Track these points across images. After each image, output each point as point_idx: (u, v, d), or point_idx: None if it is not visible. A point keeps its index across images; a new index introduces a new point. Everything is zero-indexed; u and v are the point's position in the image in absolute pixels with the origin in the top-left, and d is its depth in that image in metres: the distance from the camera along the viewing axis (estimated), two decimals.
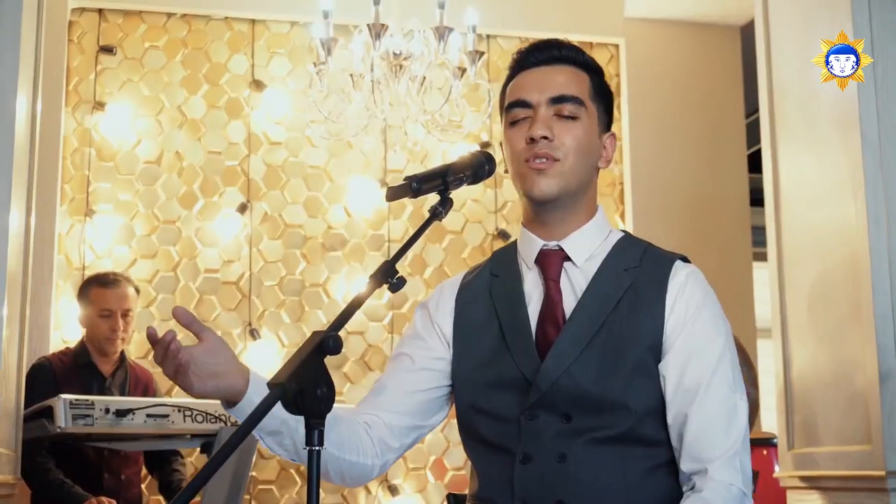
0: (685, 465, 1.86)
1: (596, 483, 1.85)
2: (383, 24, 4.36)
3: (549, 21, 5.67)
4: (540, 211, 1.99)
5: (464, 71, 4.51)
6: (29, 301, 3.47)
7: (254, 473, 5.03)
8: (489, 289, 2.03)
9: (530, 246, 2.01)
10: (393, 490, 5.21)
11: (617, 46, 5.80)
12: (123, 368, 4.32)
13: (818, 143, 3.55)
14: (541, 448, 1.87)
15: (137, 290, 4.38)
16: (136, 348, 5.02)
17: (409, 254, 5.43)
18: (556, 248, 1.99)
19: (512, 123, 1.99)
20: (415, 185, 1.80)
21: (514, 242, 2.08)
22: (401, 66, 4.45)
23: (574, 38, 5.66)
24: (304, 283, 5.31)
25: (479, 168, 1.91)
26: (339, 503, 5.19)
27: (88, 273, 4.88)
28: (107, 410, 3.50)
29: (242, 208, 5.30)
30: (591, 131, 1.98)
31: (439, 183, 1.85)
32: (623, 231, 2.07)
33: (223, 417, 3.79)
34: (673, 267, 1.96)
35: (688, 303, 1.91)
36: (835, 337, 3.43)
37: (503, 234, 5.51)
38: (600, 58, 5.78)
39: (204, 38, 5.42)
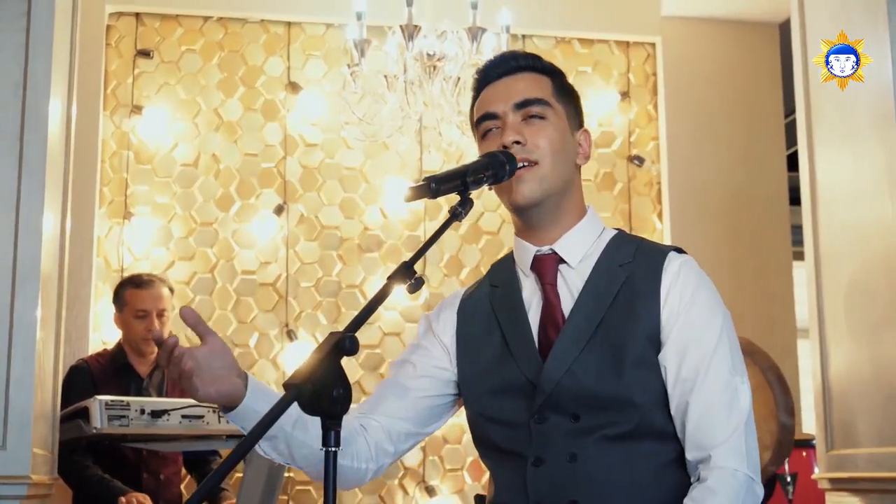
0: (690, 454, 1.86)
1: (608, 481, 1.85)
2: (416, 26, 4.36)
3: (584, 20, 5.65)
4: (527, 217, 2.00)
5: None
6: (65, 303, 3.50)
7: (291, 475, 5.05)
8: (489, 300, 2.05)
9: (524, 253, 2.02)
10: (430, 491, 5.21)
11: (653, 45, 5.76)
12: (160, 369, 4.34)
13: (855, 141, 3.51)
14: (551, 449, 1.87)
15: (172, 291, 4.41)
16: None
17: (446, 255, 5.44)
18: (550, 252, 1.99)
19: (483, 137, 2.01)
20: (434, 186, 1.80)
21: (511, 253, 2.10)
22: (434, 67, 4.45)
23: (610, 37, 5.66)
24: (341, 284, 5.33)
25: (499, 168, 1.91)
26: None
27: (127, 275, 4.91)
28: (142, 411, 3.52)
29: (279, 210, 5.33)
30: (562, 129, 1.99)
31: (459, 183, 1.84)
32: (617, 229, 2.07)
33: None
34: (666, 258, 1.96)
35: (681, 292, 1.91)
36: (873, 336, 3.39)
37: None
38: (637, 57, 5.76)
39: (240, 41, 5.45)
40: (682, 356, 1.87)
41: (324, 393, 1.52)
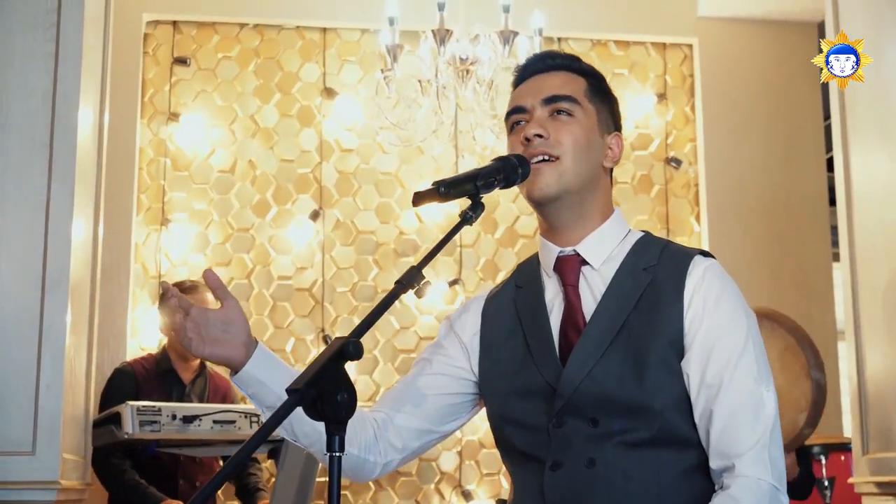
0: (714, 463, 1.82)
1: (627, 487, 1.82)
2: (448, 30, 4.37)
3: (621, 22, 5.63)
4: (547, 214, 1.97)
5: None
6: (98, 309, 3.53)
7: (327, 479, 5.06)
8: (514, 301, 2.03)
9: (548, 254, 1.99)
10: (467, 495, 5.20)
11: (690, 46, 5.72)
12: (203, 376, 4.37)
13: (890, 141, 3.46)
14: (570, 454, 1.85)
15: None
16: None
17: (482, 258, 5.43)
18: (573, 253, 1.96)
19: (511, 131, 2.00)
20: (442, 190, 1.79)
21: (537, 254, 2.07)
22: (467, 72, 4.45)
23: (646, 38, 5.63)
24: (377, 288, 5.34)
25: (511, 171, 1.89)
26: None
27: (172, 282, 4.96)
28: (174, 417, 3.55)
29: (315, 215, 5.35)
30: (589, 129, 1.96)
31: (469, 187, 1.83)
32: (643, 231, 2.03)
33: None
34: (691, 262, 1.91)
35: (705, 297, 1.87)
36: None
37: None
38: (674, 58, 5.72)
39: (276, 48, 5.48)
40: (705, 362, 1.83)
41: (328, 398, 1.52)
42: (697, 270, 1.90)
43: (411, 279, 1.72)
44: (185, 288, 4.39)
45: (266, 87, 5.44)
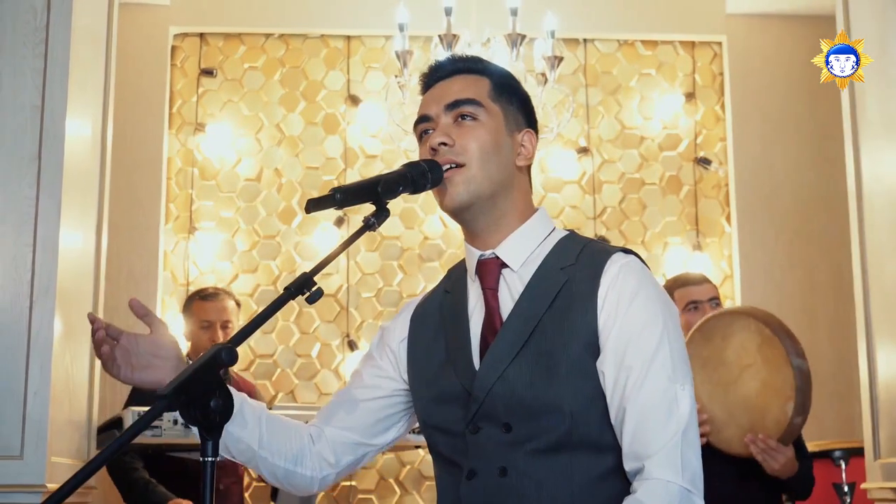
0: (627, 465, 1.76)
1: (540, 496, 1.78)
2: (455, 35, 4.37)
3: (649, 22, 5.58)
4: (464, 222, 1.94)
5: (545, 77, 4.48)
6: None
7: (354, 483, 5.10)
8: (440, 306, 2.01)
9: (470, 258, 1.97)
10: None
11: (720, 44, 5.64)
12: (226, 380, 4.43)
13: None
14: (484, 462, 1.82)
15: (238, 304, 4.50)
16: (238, 360, 5.16)
17: None
18: (492, 256, 1.93)
19: (419, 140, 1.97)
20: (339, 197, 1.79)
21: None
22: None
23: (674, 37, 5.57)
24: (402, 294, 5.36)
25: (419, 176, 1.88)
26: None
27: (193, 289, 5.05)
28: (175, 421, 3.60)
29: (339, 222, 5.39)
30: (495, 131, 1.92)
31: (369, 194, 1.83)
32: (568, 230, 2.00)
33: None
34: (609, 260, 1.87)
35: (620, 295, 1.82)
36: None
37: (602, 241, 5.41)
38: (703, 57, 5.65)
39: (301, 56, 5.54)
40: (619, 362, 1.78)
41: (200, 403, 1.54)
42: (613, 268, 1.85)
43: (301, 286, 1.73)
44: (206, 294, 4.47)
45: (291, 95, 5.51)
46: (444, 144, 1.89)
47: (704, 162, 5.57)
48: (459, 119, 1.92)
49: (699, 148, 5.60)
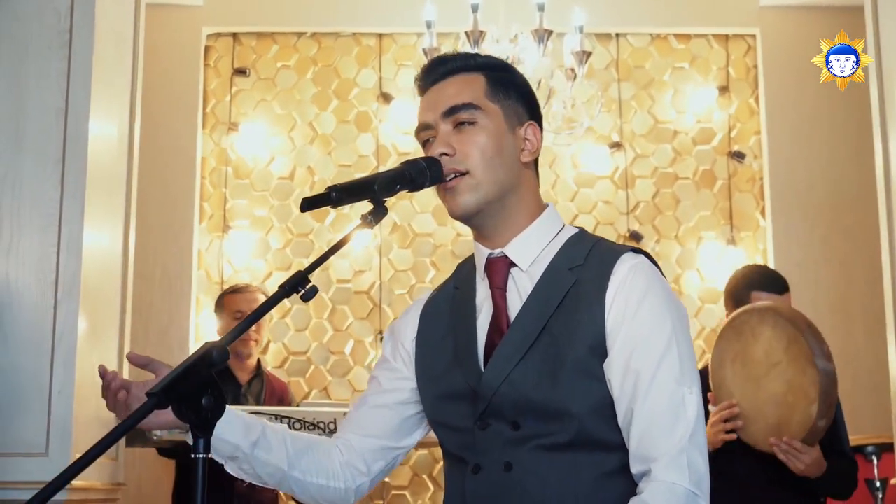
0: (633, 467, 1.76)
1: (543, 492, 1.78)
2: (482, 31, 4.37)
3: (681, 16, 5.54)
4: (473, 226, 1.93)
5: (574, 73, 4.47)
6: (129, 315, 3.65)
7: (387, 480, 5.12)
8: (450, 302, 2.00)
9: (479, 256, 1.95)
10: None
11: (753, 37, 5.59)
12: (260, 378, 4.46)
13: None
14: (489, 457, 1.83)
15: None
16: (272, 358, 5.21)
17: None
18: (501, 255, 1.91)
19: (424, 148, 1.94)
20: (334, 196, 1.79)
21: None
22: None
23: (707, 31, 5.53)
24: None
25: (417, 174, 1.87)
26: None
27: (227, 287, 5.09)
28: None
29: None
30: (496, 132, 1.89)
31: (365, 193, 1.84)
32: (577, 228, 1.97)
33: (330, 427, 3.83)
34: (618, 261, 1.85)
35: (628, 297, 1.80)
36: None
37: (635, 236, 5.40)
38: (736, 50, 5.60)
39: (333, 55, 5.57)
40: (626, 365, 1.77)
41: (191, 401, 1.55)
42: (622, 269, 1.83)
43: (296, 284, 1.74)
44: (236, 288, 4.52)
45: (324, 94, 5.54)
46: (445, 154, 1.87)
47: (738, 156, 5.52)
48: (459, 125, 1.89)
49: (733, 142, 5.55)
